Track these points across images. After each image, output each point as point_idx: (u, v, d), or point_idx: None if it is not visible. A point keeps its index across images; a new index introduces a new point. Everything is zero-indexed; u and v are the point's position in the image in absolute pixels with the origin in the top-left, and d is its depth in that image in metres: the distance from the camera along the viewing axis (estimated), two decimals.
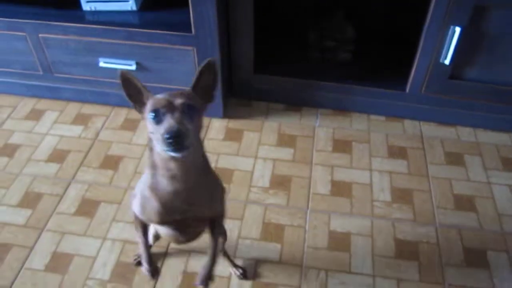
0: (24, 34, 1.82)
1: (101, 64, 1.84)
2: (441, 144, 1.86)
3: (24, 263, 1.46)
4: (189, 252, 1.49)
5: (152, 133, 0.83)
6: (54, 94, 2.03)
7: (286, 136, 1.88)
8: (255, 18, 1.78)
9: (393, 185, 1.70)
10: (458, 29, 1.62)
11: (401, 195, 1.67)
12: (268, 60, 1.98)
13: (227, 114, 1.97)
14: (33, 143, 1.87)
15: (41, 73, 1.95)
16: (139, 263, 1.46)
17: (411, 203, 1.64)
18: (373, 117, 1.97)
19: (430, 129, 1.92)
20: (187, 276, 1.43)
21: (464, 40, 1.65)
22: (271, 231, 1.55)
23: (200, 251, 1.48)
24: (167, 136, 0.77)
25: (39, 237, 1.54)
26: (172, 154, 0.80)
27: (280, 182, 1.70)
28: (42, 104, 2.05)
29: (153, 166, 0.90)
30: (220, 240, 1.28)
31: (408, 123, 1.95)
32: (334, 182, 1.71)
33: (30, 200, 1.65)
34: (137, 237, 1.09)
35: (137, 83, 0.87)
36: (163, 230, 1.09)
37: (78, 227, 1.56)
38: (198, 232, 1.14)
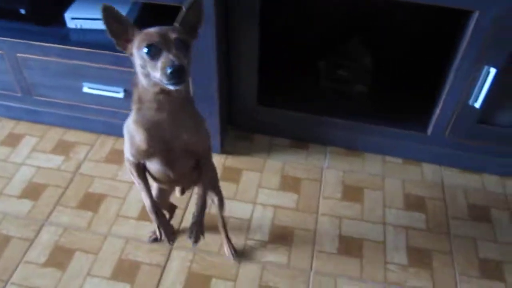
0: (1, 52, 1.62)
1: (85, 90, 1.63)
2: (464, 195, 1.64)
3: None
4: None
5: (143, 67, 0.85)
6: (34, 117, 1.83)
7: (290, 179, 1.67)
8: (260, 42, 1.56)
9: (409, 244, 1.49)
10: (493, 70, 1.41)
11: (419, 257, 1.45)
12: (273, 90, 1.76)
13: (225, 149, 1.76)
14: (6, 174, 1.67)
15: (19, 94, 1.74)
16: (155, 240, 1.45)
17: (430, 267, 1.43)
18: (388, 158, 1.76)
19: (452, 175, 1.70)
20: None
21: (498, 83, 1.44)
22: None
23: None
24: (170, 70, 0.79)
25: None
26: (172, 87, 0.83)
27: (280, 235, 1.50)
28: (21, 127, 1.85)
29: (139, 101, 0.92)
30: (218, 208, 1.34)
31: (427, 167, 1.73)
32: (342, 238, 1.50)
33: None
34: (137, 183, 1.06)
35: (122, 17, 0.87)
36: (154, 167, 1.05)
37: (47, 282, 1.36)
38: (187, 170, 1.09)
